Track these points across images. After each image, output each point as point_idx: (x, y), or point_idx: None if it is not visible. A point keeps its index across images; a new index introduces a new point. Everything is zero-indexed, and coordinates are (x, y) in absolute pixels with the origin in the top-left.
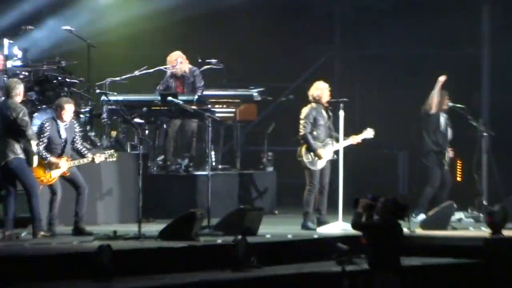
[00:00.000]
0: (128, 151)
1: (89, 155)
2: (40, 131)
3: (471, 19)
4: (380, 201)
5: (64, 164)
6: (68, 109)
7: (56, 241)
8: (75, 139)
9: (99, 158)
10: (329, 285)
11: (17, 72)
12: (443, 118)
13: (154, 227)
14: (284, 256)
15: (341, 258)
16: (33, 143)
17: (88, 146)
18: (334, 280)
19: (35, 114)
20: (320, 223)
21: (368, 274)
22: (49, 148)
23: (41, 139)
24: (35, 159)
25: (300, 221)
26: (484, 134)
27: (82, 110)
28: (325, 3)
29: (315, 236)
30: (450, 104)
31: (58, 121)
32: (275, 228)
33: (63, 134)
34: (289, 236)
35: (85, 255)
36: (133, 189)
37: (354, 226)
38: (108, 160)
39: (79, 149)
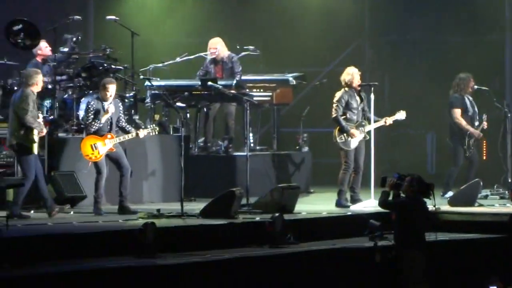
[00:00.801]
0: (171, 133)
1: (133, 130)
2: (87, 109)
3: (495, 6)
4: (406, 180)
5: (110, 140)
6: (111, 89)
7: (103, 219)
8: (120, 118)
9: (142, 132)
10: (362, 260)
11: (65, 59)
12: (468, 101)
13: (195, 206)
14: (319, 232)
15: (373, 234)
16: (35, 131)
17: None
18: (367, 255)
19: (83, 99)
20: (354, 200)
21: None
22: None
23: (89, 115)
24: (35, 147)
25: (335, 199)
26: (509, 115)
27: (127, 95)
28: None
29: (349, 213)
30: (475, 86)
31: (103, 101)
32: (311, 205)
33: (108, 112)
34: (324, 213)
35: (130, 233)
36: (176, 170)
37: (381, 205)
38: (151, 134)
39: (124, 126)
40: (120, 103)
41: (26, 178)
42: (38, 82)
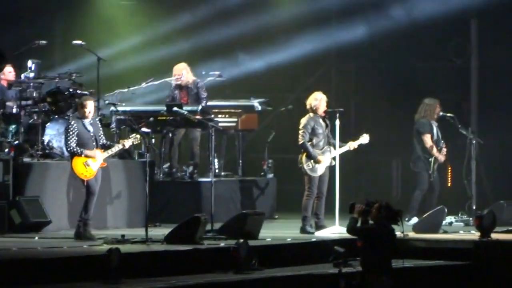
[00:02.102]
0: (136, 159)
1: (119, 143)
2: (68, 130)
3: (460, 32)
4: (374, 206)
5: (100, 155)
6: (89, 105)
7: (68, 245)
8: (100, 135)
9: (128, 142)
10: (326, 286)
11: (30, 84)
12: (434, 126)
13: (160, 231)
14: (284, 259)
15: (338, 261)
16: None
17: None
18: (331, 282)
19: (48, 124)
20: (318, 227)
21: (362, 276)
22: (81, 144)
23: (70, 138)
24: None
25: (299, 225)
26: (473, 141)
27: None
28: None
29: (313, 240)
30: (441, 113)
31: (82, 119)
32: (275, 232)
33: (90, 129)
34: (289, 239)
35: (95, 258)
36: (141, 195)
37: (349, 231)
38: (134, 143)
39: (105, 143)
40: (98, 120)
41: None
42: None
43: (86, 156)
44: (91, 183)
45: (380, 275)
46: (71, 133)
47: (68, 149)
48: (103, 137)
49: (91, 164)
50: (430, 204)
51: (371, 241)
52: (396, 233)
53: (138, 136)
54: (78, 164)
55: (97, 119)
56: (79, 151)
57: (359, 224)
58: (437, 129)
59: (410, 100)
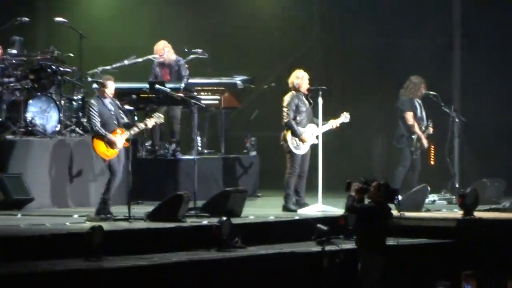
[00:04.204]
0: None
1: (141, 123)
2: (89, 110)
3: (443, 9)
4: (373, 185)
5: (121, 140)
6: (110, 85)
7: (50, 222)
8: (120, 114)
9: (150, 121)
10: (309, 264)
11: (13, 61)
12: (418, 104)
13: (142, 209)
14: (267, 237)
15: (321, 239)
16: None
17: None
18: (314, 260)
19: (30, 101)
20: (300, 205)
21: (348, 253)
22: (102, 123)
23: (94, 118)
24: None
25: (281, 203)
26: (456, 120)
27: (75, 98)
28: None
29: (296, 218)
30: (424, 91)
31: (102, 99)
32: (258, 209)
33: (111, 108)
34: (271, 217)
35: (77, 235)
36: (123, 173)
37: (348, 209)
38: (158, 122)
39: (126, 122)
40: (116, 100)
41: None
42: None
43: (109, 141)
44: (112, 163)
45: (374, 253)
46: (92, 113)
47: (94, 128)
48: (124, 116)
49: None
50: (411, 183)
51: (368, 220)
52: (392, 211)
53: (162, 115)
54: (99, 143)
55: (115, 99)
56: (103, 132)
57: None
58: (420, 107)
59: (395, 77)
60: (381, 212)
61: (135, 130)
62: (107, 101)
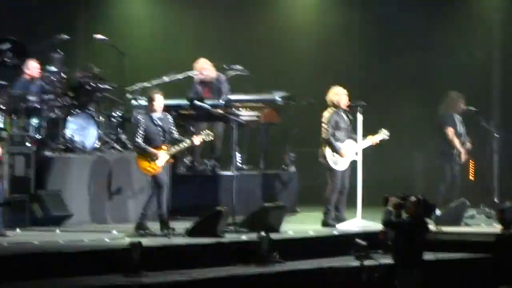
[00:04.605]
0: None
1: (187, 139)
2: (136, 125)
3: (484, 26)
4: (411, 200)
5: (163, 156)
6: (158, 99)
7: (89, 238)
8: (171, 130)
9: (197, 139)
10: (348, 279)
11: (53, 78)
12: (457, 120)
13: (182, 225)
14: (305, 252)
15: (360, 254)
16: None
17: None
18: (353, 275)
19: (70, 118)
20: (339, 220)
21: (387, 268)
22: (148, 139)
23: (137, 133)
24: None
25: (321, 219)
26: (495, 135)
27: (114, 114)
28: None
29: (335, 233)
30: (464, 107)
31: (151, 113)
32: (297, 225)
33: (159, 124)
34: (310, 232)
35: (117, 252)
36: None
37: (385, 224)
38: (206, 139)
39: (177, 138)
40: (168, 115)
41: None
42: None
43: (149, 154)
44: (158, 177)
45: (411, 268)
46: (138, 128)
47: (134, 144)
48: (175, 132)
49: (156, 160)
50: (452, 198)
51: (405, 235)
52: (429, 226)
53: (211, 133)
54: (142, 159)
55: (167, 114)
56: (142, 146)
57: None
58: (460, 123)
59: (433, 93)
60: (419, 227)
61: (180, 146)
62: (156, 116)
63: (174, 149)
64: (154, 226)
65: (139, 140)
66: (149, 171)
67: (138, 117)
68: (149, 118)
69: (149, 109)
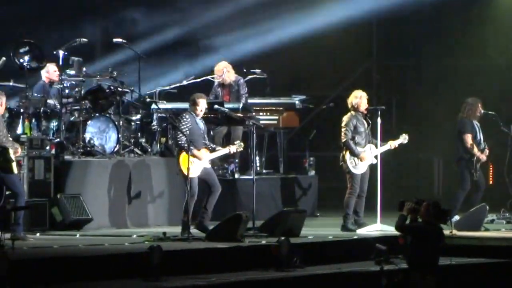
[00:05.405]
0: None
1: (225, 148)
2: (181, 124)
3: (504, 30)
4: (423, 205)
5: (206, 156)
6: (202, 103)
7: (109, 242)
8: (205, 135)
9: (233, 147)
10: (368, 284)
11: (72, 82)
12: (476, 126)
13: None
14: (325, 256)
15: (380, 258)
16: (10, 151)
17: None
18: (373, 279)
19: (89, 122)
20: (359, 225)
21: (406, 273)
22: (191, 140)
23: (181, 132)
24: (14, 166)
25: (340, 223)
26: None
27: (133, 118)
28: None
29: (355, 237)
30: (483, 111)
31: (195, 116)
32: (317, 229)
33: (202, 127)
34: (330, 237)
35: (136, 256)
36: (182, 193)
37: (398, 229)
38: (238, 150)
39: (207, 144)
40: (203, 121)
41: (17, 195)
42: (2, 103)
43: (193, 155)
44: (193, 184)
45: (425, 273)
46: (183, 127)
47: (179, 142)
48: (206, 138)
49: (196, 162)
50: (474, 203)
51: (419, 240)
52: (444, 231)
53: (242, 144)
54: (185, 159)
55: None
56: (187, 147)
57: (408, 222)
58: (479, 129)
59: (452, 98)
60: (432, 232)
61: (218, 153)
62: (199, 119)
63: (213, 155)
64: (173, 230)
65: (184, 139)
66: (189, 172)
67: (184, 115)
68: (194, 119)
69: (193, 111)
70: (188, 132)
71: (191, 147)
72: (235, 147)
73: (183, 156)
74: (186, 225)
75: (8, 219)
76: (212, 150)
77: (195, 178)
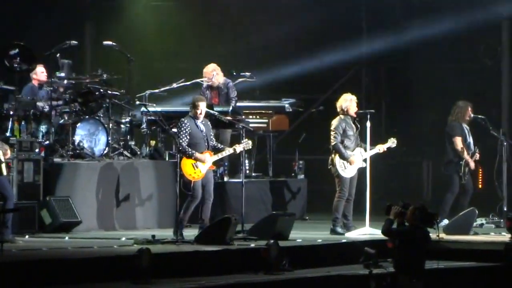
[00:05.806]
0: (166, 159)
1: (230, 148)
2: (180, 129)
3: (492, 32)
4: (409, 209)
5: (209, 158)
6: (202, 106)
7: (98, 245)
8: (211, 136)
9: (239, 147)
10: (357, 287)
11: (62, 84)
12: (466, 129)
13: (190, 232)
14: (314, 260)
15: (368, 262)
16: (0, 152)
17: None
18: (362, 283)
19: (79, 124)
20: (347, 228)
21: (394, 276)
22: (193, 144)
23: (182, 137)
24: (3, 168)
25: (329, 226)
26: (505, 143)
27: (123, 121)
28: (351, 19)
29: (344, 241)
30: (472, 115)
31: (195, 119)
32: (306, 232)
33: (203, 129)
34: (319, 240)
35: (125, 258)
36: (171, 196)
37: (384, 233)
38: (245, 148)
39: (215, 145)
40: (209, 122)
41: (6, 198)
42: None
43: (196, 159)
44: (196, 187)
45: (412, 277)
46: (183, 132)
47: (179, 148)
48: (213, 139)
49: (200, 166)
50: (462, 206)
51: (405, 243)
52: (431, 235)
53: (250, 142)
54: (187, 164)
55: (207, 121)
56: (189, 152)
57: (395, 226)
58: (468, 132)
59: (442, 101)
60: (418, 236)
61: (223, 154)
62: (199, 122)
63: (217, 156)
64: (163, 233)
65: (184, 144)
66: (193, 177)
67: (183, 120)
68: (193, 123)
69: (192, 115)
70: (188, 137)
71: (193, 152)
72: (242, 146)
73: (184, 160)
74: (181, 223)
75: None
76: (219, 151)
77: (198, 181)
